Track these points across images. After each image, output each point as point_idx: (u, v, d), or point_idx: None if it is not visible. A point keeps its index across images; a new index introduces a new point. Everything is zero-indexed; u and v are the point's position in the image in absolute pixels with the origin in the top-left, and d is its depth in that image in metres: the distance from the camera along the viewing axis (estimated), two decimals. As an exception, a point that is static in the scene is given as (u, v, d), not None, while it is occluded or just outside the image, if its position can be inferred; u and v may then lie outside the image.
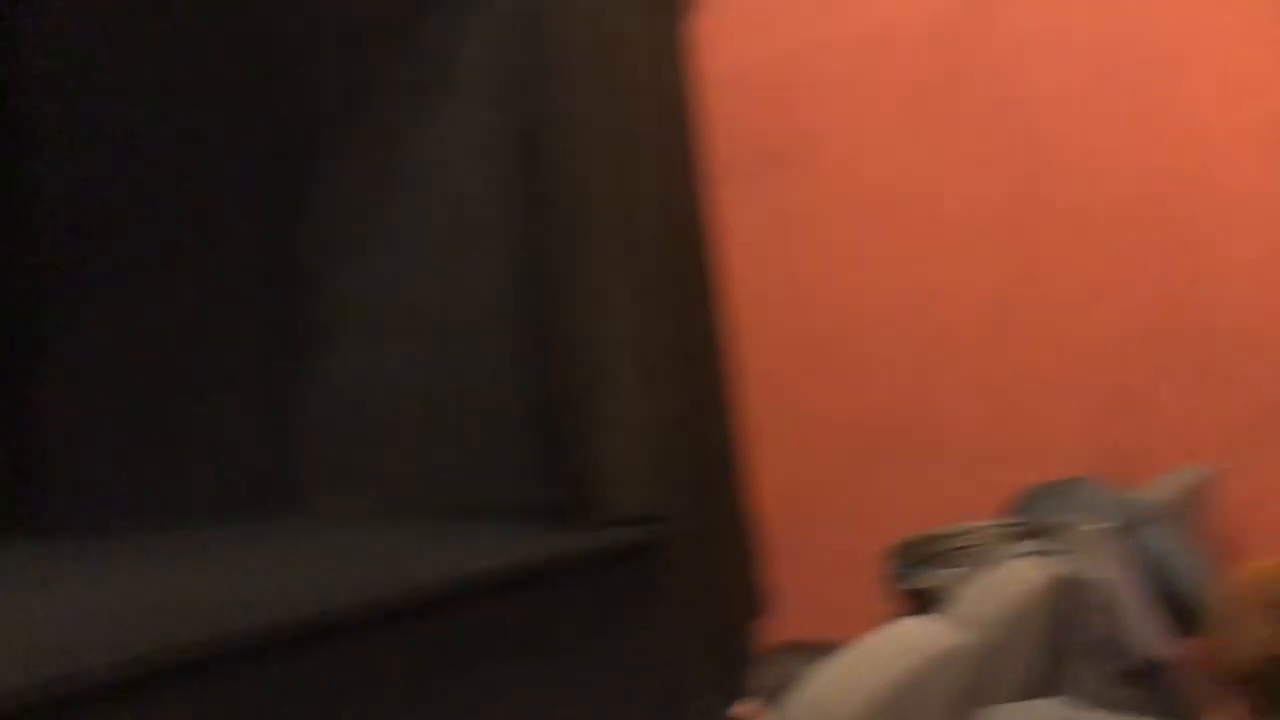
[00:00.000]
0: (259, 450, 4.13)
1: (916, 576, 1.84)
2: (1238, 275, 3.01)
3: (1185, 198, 3.05)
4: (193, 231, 4.14)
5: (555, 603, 2.99)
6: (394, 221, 3.97)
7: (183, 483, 4.04)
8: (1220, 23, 3.01)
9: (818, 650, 1.77)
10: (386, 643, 2.49)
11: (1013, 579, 1.60)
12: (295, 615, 2.31)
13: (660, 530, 3.26)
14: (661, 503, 3.28)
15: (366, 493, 3.93)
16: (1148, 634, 1.75)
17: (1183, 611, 1.90)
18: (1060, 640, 1.68)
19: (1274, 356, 2.96)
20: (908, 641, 1.31)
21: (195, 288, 4.12)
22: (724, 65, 3.56)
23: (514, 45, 3.68)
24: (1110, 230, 3.14)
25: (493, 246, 3.78)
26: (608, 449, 3.27)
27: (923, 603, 1.77)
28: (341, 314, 4.08)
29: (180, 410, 4.11)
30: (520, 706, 2.77)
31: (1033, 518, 1.94)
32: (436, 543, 3.42)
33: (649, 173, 3.42)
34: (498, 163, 3.77)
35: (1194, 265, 3.06)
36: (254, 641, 2.17)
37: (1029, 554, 1.70)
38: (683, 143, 3.50)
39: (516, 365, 3.73)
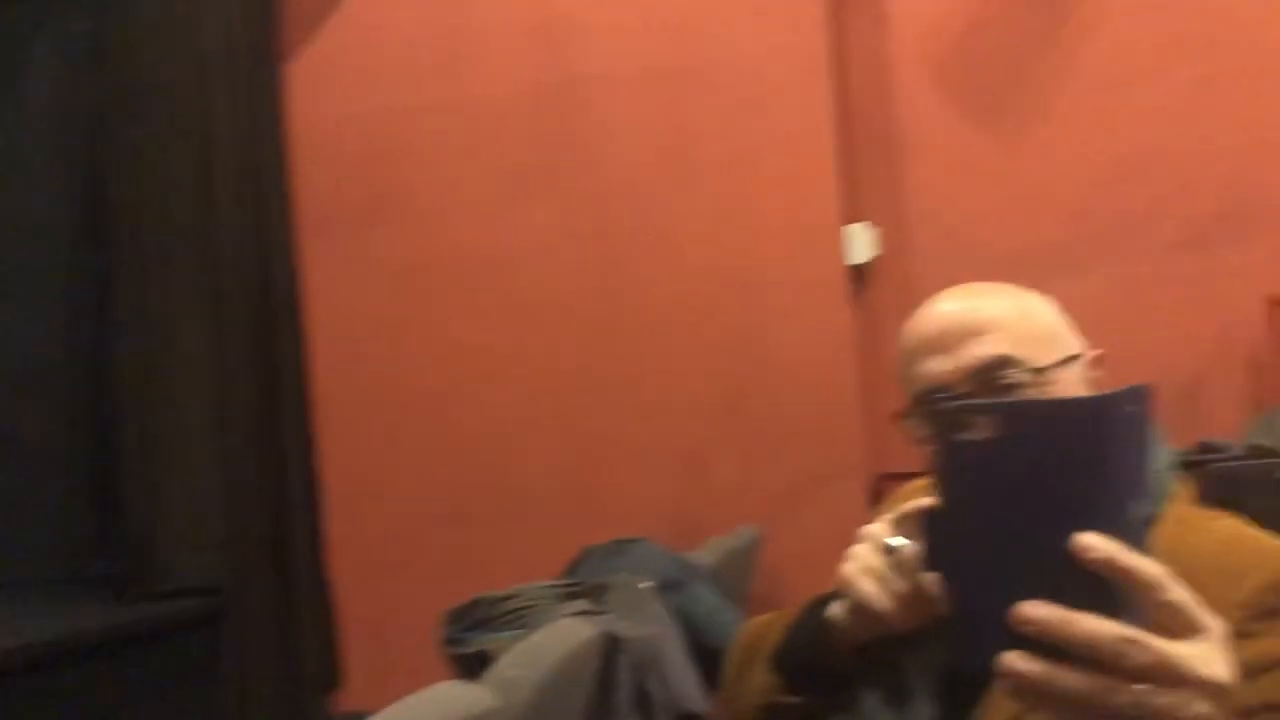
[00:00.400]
0: None
1: (467, 641, 1.83)
2: (784, 359, 3.31)
3: (743, 288, 3.32)
4: None
5: (109, 677, 2.73)
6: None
7: None
8: (775, 129, 3.34)
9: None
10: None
11: (558, 639, 1.64)
12: None
13: (226, 601, 3.07)
14: (229, 572, 3.09)
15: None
16: (687, 689, 1.85)
17: (719, 668, 2.03)
18: (603, 697, 1.74)
19: (809, 432, 3.27)
20: (433, 708, 1.29)
21: None
22: (319, 114, 3.49)
23: (82, 73, 3.40)
24: (679, 312, 3.36)
25: (49, 288, 3.43)
26: (171, 515, 3.04)
27: (473, 668, 1.77)
28: None
29: None
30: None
31: (583, 577, 2.00)
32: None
33: (233, 220, 3.26)
34: (60, 196, 3.44)
35: (749, 350, 3.32)
36: None
37: (576, 613, 1.74)
38: (271, 190, 3.38)
39: (66, 422, 3.39)
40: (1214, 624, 0.58)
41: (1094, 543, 0.55)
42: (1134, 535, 0.56)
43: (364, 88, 3.52)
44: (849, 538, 3.34)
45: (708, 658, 2.04)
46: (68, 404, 3.38)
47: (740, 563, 2.77)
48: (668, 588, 1.99)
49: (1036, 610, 0.55)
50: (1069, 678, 0.55)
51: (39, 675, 2.56)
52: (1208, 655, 0.57)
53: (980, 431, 0.56)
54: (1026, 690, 0.56)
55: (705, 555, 2.46)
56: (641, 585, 1.90)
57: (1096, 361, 1.12)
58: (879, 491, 3.34)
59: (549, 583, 1.97)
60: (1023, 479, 0.56)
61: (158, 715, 2.88)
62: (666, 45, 3.39)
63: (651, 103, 3.41)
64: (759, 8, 3.33)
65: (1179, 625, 0.56)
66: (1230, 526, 0.97)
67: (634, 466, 3.34)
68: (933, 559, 0.57)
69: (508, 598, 1.87)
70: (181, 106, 3.18)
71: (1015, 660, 0.56)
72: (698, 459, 3.32)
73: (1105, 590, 0.55)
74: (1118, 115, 3.32)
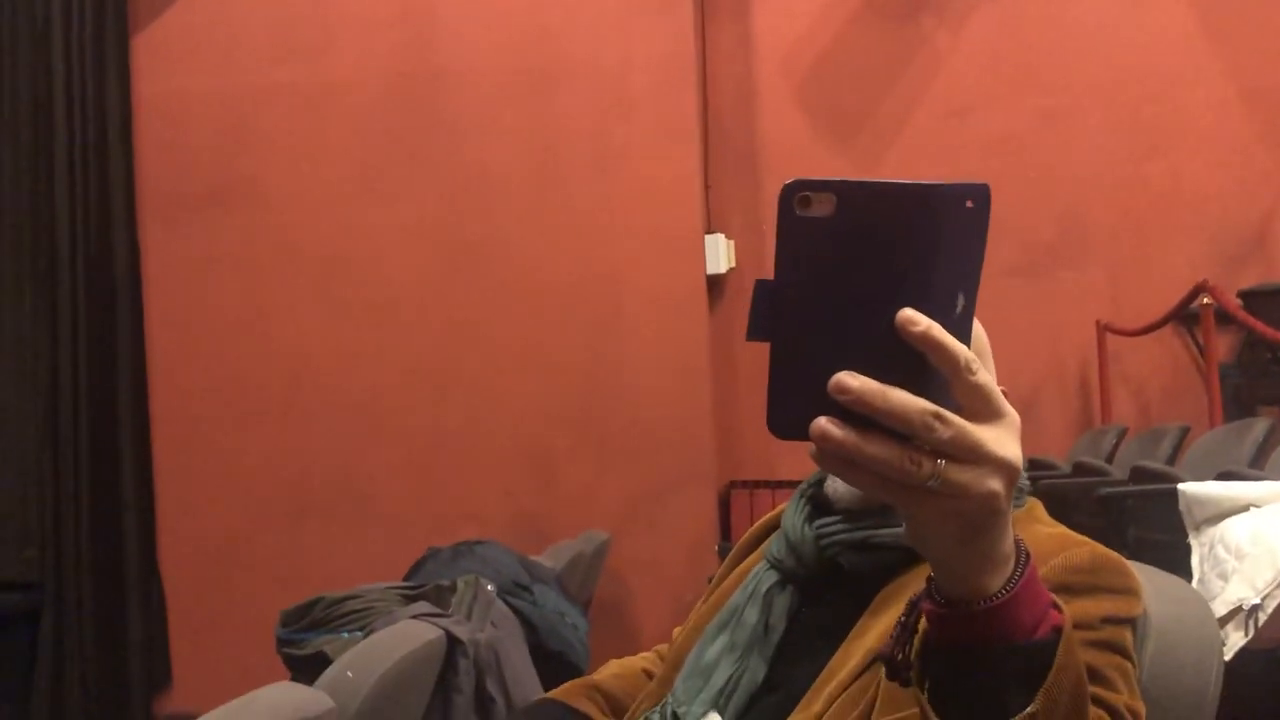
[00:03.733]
0: None
1: (305, 641, 1.78)
2: (640, 367, 3.32)
3: (602, 293, 3.33)
4: None
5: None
6: None
7: None
8: (641, 135, 3.36)
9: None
10: None
11: (398, 640, 1.60)
12: None
13: (43, 597, 2.90)
14: (51, 567, 2.93)
15: None
16: (528, 692, 1.83)
17: (561, 668, 2.02)
18: (444, 700, 1.71)
19: (661, 441, 3.29)
20: (264, 709, 1.24)
21: None
22: (164, 94, 3.34)
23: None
24: (537, 314, 3.34)
25: None
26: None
27: (310, 669, 1.71)
28: None
29: None
30: None
31: (429, 578, 1.97)
32: None
33: (69, 198, 3.10)
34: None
35: (606, 356, 3.32)
36: None
37: (418, 615, 1.71)
38: (113, 170, 3.22)
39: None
40: (1012, 412, 0.62)
41: (915, 317, 0.58)
42: (958, 327, 0.59)
43: (216, 66, 3.39)
44: (698, 543, 3.40)
45: (549, 661, 2.03)
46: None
47: (586, 566, 2.77)
48: (511, 590, 1.98)
49: (853, 380, 0.58)
50: (876, 446, 0.58)
51: None
52: (1004, 438, 0.60)
53: (821, 209, 0.57)
54: (834, 456, 0.59)
55: (551, 559, 2.45)
56: (485, 588, 1.87)
57: None
58: (728, 499, 3.40)
59: (391, 584, 1.93)
60: (856, 256, 0.58)
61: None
62: (532, 46, 3.37)
63: (515, 101, 3.38)
64: (627, 16, 3.34)
65: (982, 408, 0.60)
66: (1056, 530, 1.02)
67: (482, 468, 3.30)
68: (761, 329, 0.59)
69: (348, 598, 1.82)
70: (20, 82, 3.01)
71: (827, 425, 0.58)
72: (548, 462, 3.30)
73: (920, 370, 0.58)
74: (964, 141, 3.46)
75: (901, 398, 0.58)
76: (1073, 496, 2.59)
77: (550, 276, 3.35)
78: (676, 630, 1.31)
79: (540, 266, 3.35)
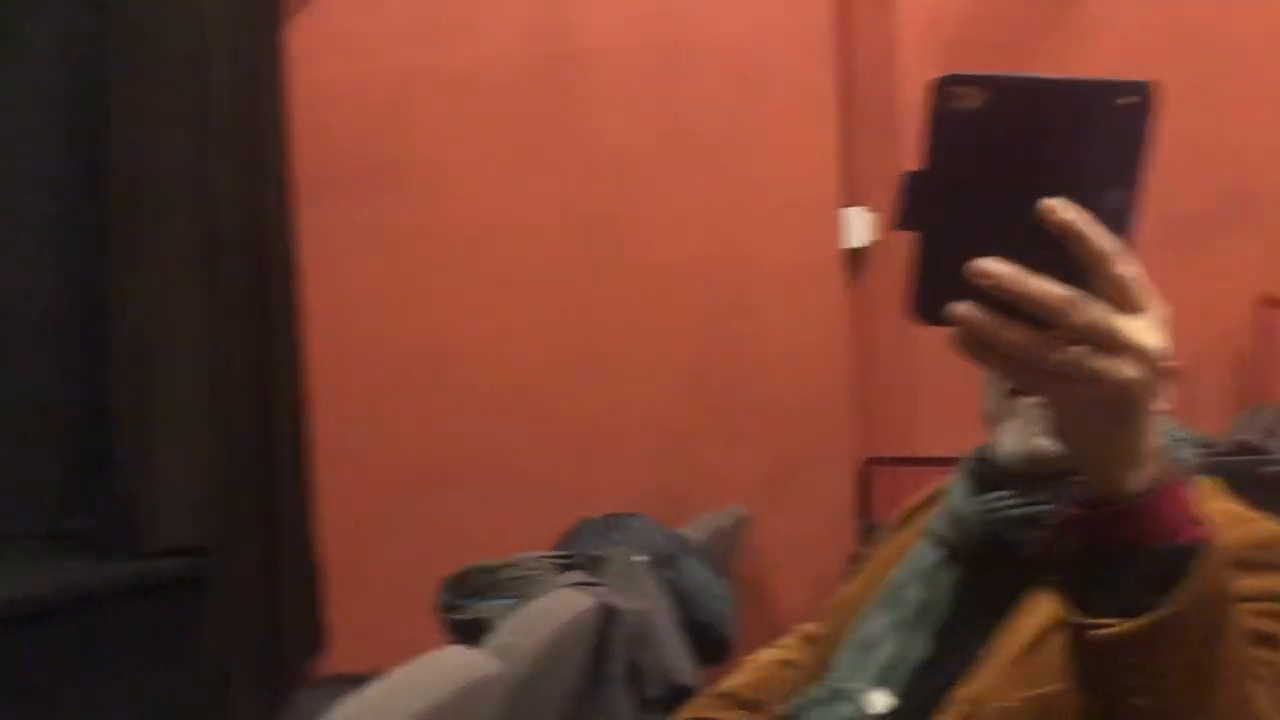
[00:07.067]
0: None
1: (465, 608, 1.84)
2: (774, 342, 3.32)
3: (736, 268, 3.33)
4: None
5: (91, 634, 2.73)
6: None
7: None
8: (774, 107, 3.34)
9: (356, 682, 1.73)
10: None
11: (556, 608, 1.65)
12: None
13: (210, 562, 3.06)
14: (215, 533, 3.09)
15: None
16: (678, 662, 1.87)
17: (710, 642, 2.05)
18: (597, 667, 1.75)
19: (796, 416, 3.29)
20: (439, 671, 1.30)
21: None
22: (318, 79, 3.46)
23: (82, 31, 3.36)
24: (671, 285, 3.36)
25: (42, 243, 3.39)
26: (159, 474, 3.03)
27: (470, 634, 1.78)
28: None
29: None
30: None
31: (579, 549, 2.02)
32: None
33: (230, 180, 3.23)
34: (55, 148, 3.41)
35: (740, 327, 3.33)
36: None
37: (573, 584, 1.76)
38: (270, 153, 3.35)
39: (58, 378, 3.36)
40: (1159, 306, 0.62)
41: (1059, 206, 0.58)
42: (1109, 221, 0.59)
43: (364, 53, 3.50)
44: (834, 521, 3.39)
45: (698, 632, 2.06)
46: (62, 361, 3.35)
47: (726, 541, 2.79)
48: (661, 562, 2.01)
49: (993, 265, 0.58)
50: (1013, 330, 0.59)
51: (26, 628, 2.56)
52: (1146, 328, 0.61)
53: (970, 102, 0.58)
54: (972, 340, 0.60)
55: (693, 532, 2.48)
56: (636, 559, 1.91)
57: None
58: (867, 476, 3.37)
59: (545, 553, 1.98)
60: (1003, 147, 0.59)
61: (140, 673, 2.88)
62: (668, 20, 3.38)
63: (651, 77, 3.40)
64: (764, -13, 3.32)
65: (1126, 301, 0.60)
66: (1231, 507, 1.01)
67: (621, 442, 3.35)
68: (906, 218, 0.60)
69: (504, 566, 1.88)
70: (181, 65, 3.15)
71: (965, 309, 0.59)
72: (684, 437, 3.33)
73: (1063, 260, 0.58)
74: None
75: (1039, 283, 0.59)
76: (1233, 475, 2.50)
77: (684, 252, 3.37)
78: (823, 610, 1.31)
79: (675, 242, 3.37)
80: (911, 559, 1.18)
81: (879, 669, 1.08)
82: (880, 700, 1.05)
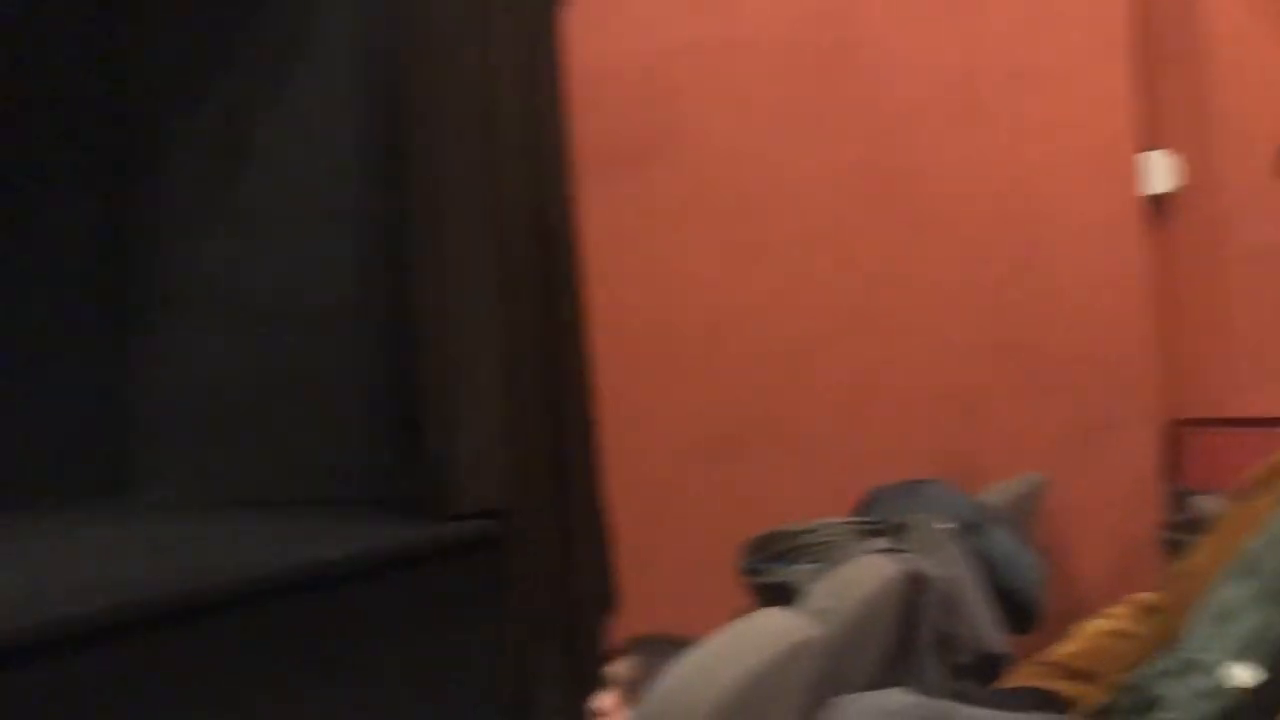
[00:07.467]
0: (89, 432, 3.90)
1: (769, 571, 1.86)
2: (1070, 297, 3.16)
3: (1027, 221, 3.19)
4: (20, 199, 3.88)
5: (400, 595, 2.93)
6: (243, 198, 3.80)
7: (2, 466, 3.79)
8: (1064, 50, 3.16)
9: (674, 644, 1.77)
10: (214, 632, 2.39)
11: (865, 574, 1.64)
12: (108, 605, 2.17)
13: (510, 525, 3.22)
14: (513, 496, 3.24)
15: (204, 480, 3.76)
16: (987, 630, 1.81)
17: (1018, 610, 1.98)
18: (905, 634, 1.73)
19: (1096, 376, 3.12)
20: (765, 633, 1.32)
21: (19, 262, 3.86)
22: (593, 58, 3.55)
23: (375, 20, 3.58)
24: (959, 243, 3.26)
25: (347, 228, 3.67)
26: (461, 441, 3.21)
27: (775, 597, 1.79)
28: (183, 292, 3.89)
29: (3, 386, 3.86)
30: (362, 699, 2.70)
31: (881, 515, 1.99)
32: (272, 533, 3.29)
33: (515, 160, 3.37)
34: (355, 141, 3.66)
35: (1033, 283, 3.19)
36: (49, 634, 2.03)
37: (880, 550, 1.73)
38: (550, 132, 3.47)
39: (368, 353, 3.63)
40: None
41: None
42: None
43: (638, 28, 3.55)
44: (1138, 487, 3.19)
45: (1006, 601, 1.99)
46: (370, 337, 3.61)
47: (1025, 508, 2.68)
48: (966, 530, 1.96)
49: None
50: None
51: (344, 588, 2.77)
52: None
53: None
54: None
55: (994, 498, 2.39)
56: (940, 526, 1.87)
57: None
58: (1175, 439, 3.15)
59: (847, 519, 1.97)
60: None
61: (449, 629, 3.07)
62: (949, -33, 3.26)
63: (932, 28, 3.29)
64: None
65: None
66: None
67: (908, 407, 3.28)
68: None
69: (806, 531, 1.88)
70: (468, 54, 3.30)
71: None
72: (975, 400, 3.22)
73: None
74: None
75: None
76: None
77: (970, 208, 3.25)
78: (1163, 580, 1.25)
79: (959, 198, 3.26)
80: (1272, 527, 1.10)
81: (1240, 641, 1.02)
82: (1244, 673, 1.00)
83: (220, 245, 3.82)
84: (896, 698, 1.19)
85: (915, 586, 1.73)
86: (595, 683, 2.22)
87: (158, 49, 3.93)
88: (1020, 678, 1.27)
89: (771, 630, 1.35)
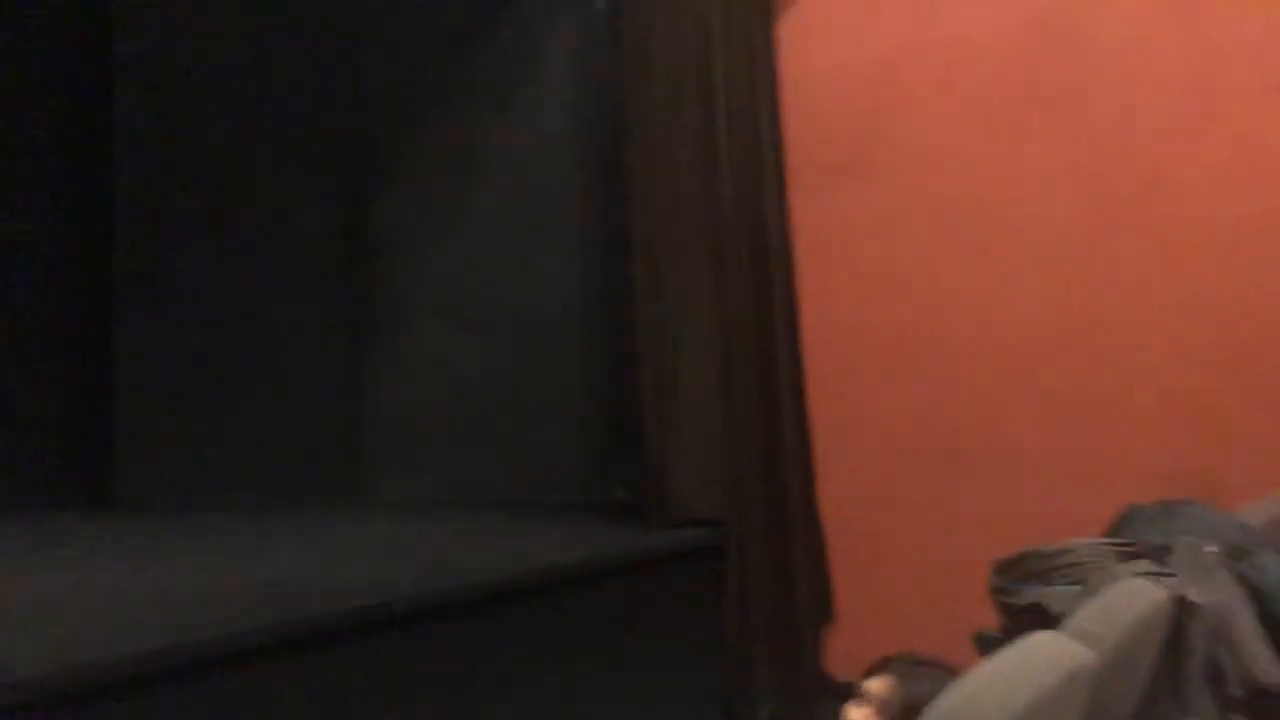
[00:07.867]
0: (326, 434, 4.15)
1: (1022, 592, 1.82)
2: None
3: (1264, 224, 3.01)
4: (267, 214, 4.17)
5: (625, 600, 3.00)
6: (472, 212, 3.99)
7: (247, 464, 4.08)
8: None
9: (925, 664, 1.76)
10: (450, 633, 2.50)
11: (1135, 598, 1.59)
12: (353, 606, 2.31)
13: (729, 533, 3.26)
14: (731, 506, 3.28)
15: (433, 482, 3.95)
16: (1262, 662, 1.73)
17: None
18: (1174, 664, 1.66)
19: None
20: (1044, 658, 1.30)
21: (268, 269, 4.15)
22: (807, 68, 3.55)
23: (596, 38, 3.69)
24: (1194, 255, 3.09)
25: (570, 242, 3.79)
26: (681, 450, 3.27)
27: (1028, 619, 1.75)
28: (416, 302, 4.11)
29: (247, 391, 4.15)
30: (586, 701, 2.78)
31: (1137, 536, 1.92)
32: (500, 536, 3.43)
33: (730, 174, 3.41)
34: (577, 158, 3.78)
35: (1273, 290, 3.01)
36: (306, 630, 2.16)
37: (1145, 574, 1.68)
38: (763, 144, 3.49)
39: (589, 362, 3.74)
40: None
41: None
42: None
43: (853, 36, 3.53)
44: None
45: (1276, 630, 1.89)
46: (589, 346, 3.72)
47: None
48: (1233, 554, 1.86)
49: None
50: None
51: (573, 592, 2.85)
52: None
53: None
54: None
55: (1250, 519, 2.27)
56: (1206, 549, 1.79)
57: None
58: None
59: (1103, 540, 1.91)
60: None
61: (670, 635, 3.12)
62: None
63: (1163, 27, 3.14)
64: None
65: None
66: None
67: (1137, 420, 3.14)
68: None
69: (1060, 553, 1.83)
70: (687, 72, 3.36)
71: None
72: (1214, 413, 3.06)
73: None
74: None
75: None
76: None
77: (1208, 213, 3.08)
78: None
79: (1196, 203, 3.10)
80: None
81: None
82: None
83: (449, 257, 4.01)
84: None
85: (1184, 612, 1.66)
86: (812, 692, 2.22)
87: (397, 73, 4.16)
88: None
89: (1049, 655, 1.33)
